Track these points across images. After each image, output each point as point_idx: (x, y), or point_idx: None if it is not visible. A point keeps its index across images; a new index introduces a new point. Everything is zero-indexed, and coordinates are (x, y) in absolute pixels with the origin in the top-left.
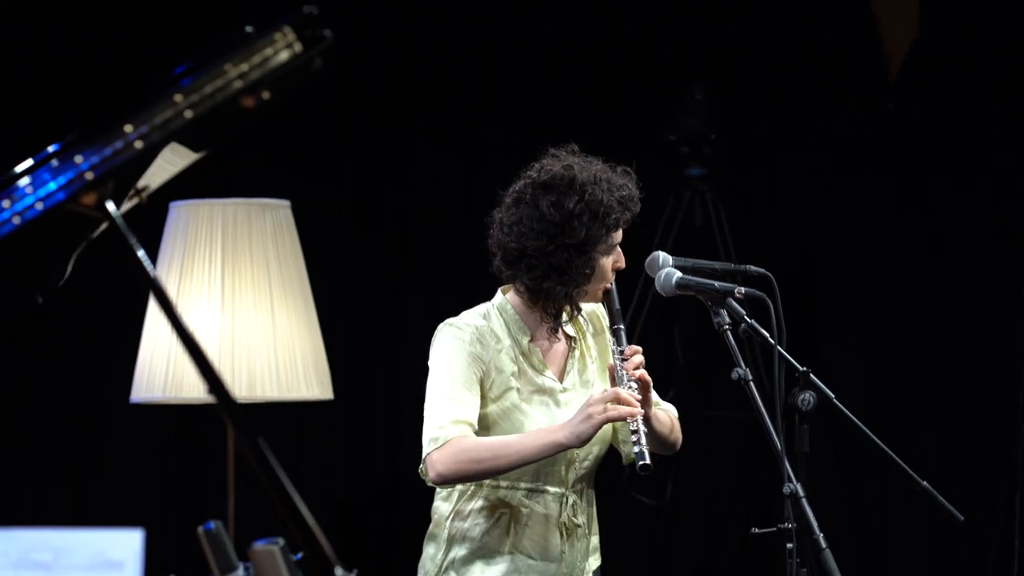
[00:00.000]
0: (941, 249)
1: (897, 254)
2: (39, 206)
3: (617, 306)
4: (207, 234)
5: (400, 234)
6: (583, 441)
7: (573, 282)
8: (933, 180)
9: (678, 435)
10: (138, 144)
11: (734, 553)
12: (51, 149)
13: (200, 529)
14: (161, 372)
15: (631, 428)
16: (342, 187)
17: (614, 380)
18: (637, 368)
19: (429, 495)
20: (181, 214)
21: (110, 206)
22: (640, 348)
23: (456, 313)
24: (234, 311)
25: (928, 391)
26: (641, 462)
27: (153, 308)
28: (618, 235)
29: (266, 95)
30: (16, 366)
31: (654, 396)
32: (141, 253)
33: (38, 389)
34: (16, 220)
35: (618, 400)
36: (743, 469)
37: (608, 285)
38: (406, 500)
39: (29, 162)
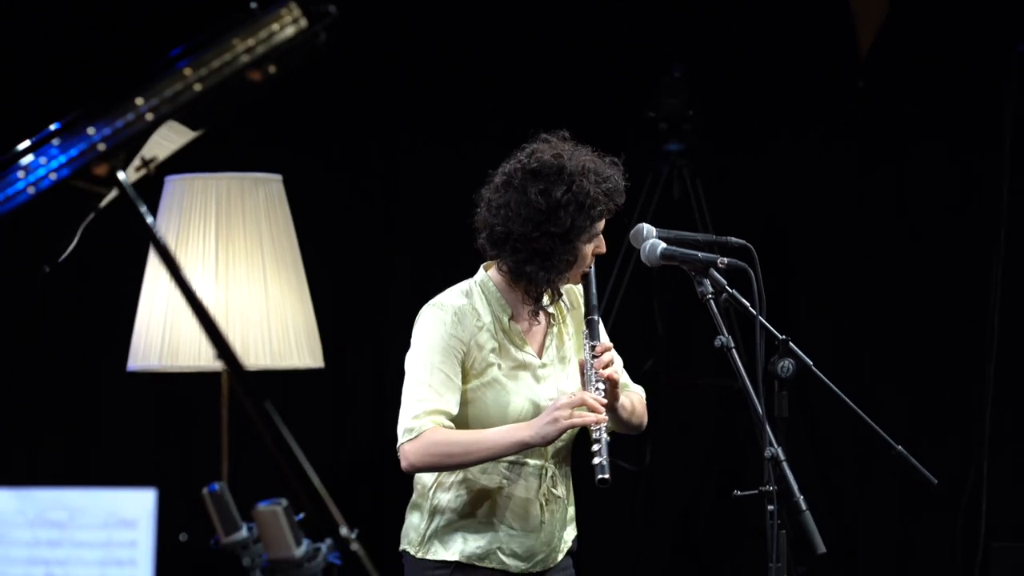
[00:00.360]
0: (909, 221)
1: (866, 225)
2: (53, 176)
3: (594, 292)
4: (201, 207)
5: (388, 207)
6: (548, 442)
7: (555, 268)
8: (901, 153)
9: (643, 419)
10: (149, 116)
11: (709, 516)
12: (63, 121)
13: (205, 490)
14: (157, 341)
15: (593, 436)
16: (331, 161)
17: (584, 375)
18: (606, 367)
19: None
20: (176, 188)
21: (121, 176)
22: (611, 345)
23: (440, 286)
24: (228, 282)
25: (898, 358)
26: (600, 475)
27: (150, 278)
28: (602, 224)
29: (272, 69)
30: (15, 337)
31: (624, 378)
32: (152, 222)
33: (37, 358)
34: (31, 190)
35: (585, 405)
36: (717, 435)
37: (587, 269)
38: (389, 468)
39: (42, 134)
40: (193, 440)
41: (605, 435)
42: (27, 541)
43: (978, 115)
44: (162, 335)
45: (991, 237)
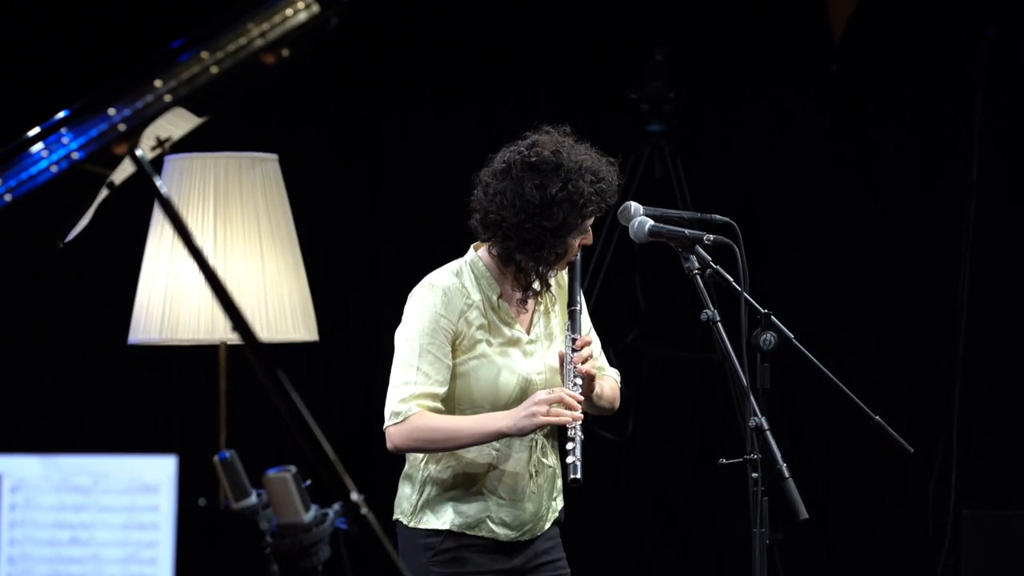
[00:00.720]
0: (880, 201)
1: (838, 204)
2: (75, 155)
3: (578, 282)
4: (200, 186)
5: (376, 186)
6: (524, 434)
7: (544, 260)
8: (873, 135)
9: (614, 402)
10: (167, 98)
11: (687, 483)
12: (83, 102)
13: (216, 458)
14: (158, 314)
15: (568, 435)
16: (323, 141)
17: (563, 367)
18: (585, 361)
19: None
20: (175, 167)
21: (140, 155)
22: (590, 340)
23: (426, 262)
24: (226, 258)
25: (868, 332)
26: (572, 476)
27: (150, 253)
28: (591, 220)
29: (285, 52)
30: (20, 311)
31: (601, 361)
32: (169, 199)
33: (41, 332)
34: (53, 169)
35: (562, 403)
36: (696, 406)
37: (572, 258)
38: (379, 440)
39: (63, 114)
40: (191, 411)
41: (580, 434)
42: (53, 505)
43: (949, 98)
44: (162, 309)
45: (960, 216)
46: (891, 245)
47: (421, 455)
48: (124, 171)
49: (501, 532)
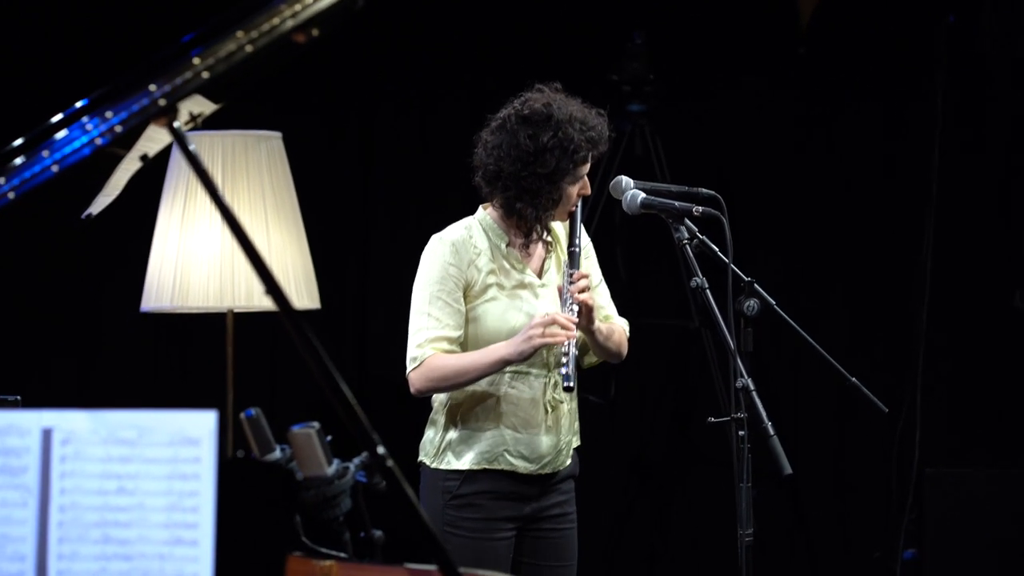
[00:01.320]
0: (845, 174)
1: (805, 177)
2: (118, 128)
3: (579, 228)
4: (208, 162)
5: (370, 164)
6: (525, 358)
7: (542, 206)
8: (839, 115)
9: (621, 347)
10: (205, 74)
11: (662, 443)
12: (124, 78)
13: (242, 415)
14: (169, 284)
15: (562, 351)
16: (314, 119)
17: (561, 296)
18: (582, 292)
19: (393, 395)
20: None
21: (178, 128)
22: (587, 274)
23: (416, 232)
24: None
25: (836, 297)
26: (565, 384)
27: (162, 225)
28: (585, 167)
29: (315, 32)
30: (35, 281)
31: (611, 311)
32: (207, 170)
33: (56, 299)
34: (98, 141)
35: (556, 323)
36: (671, 370)
37: (573, 208)
38: (374, 401)
39: (105, 89)
40: (200, 375)
41: (574, 349)
42: (100, 457)
43: (911, 80)
44: (173, 279)
45: (924, 189)
46: (857, 217)
47: (443, 398)
48: (157, 144)
49: (520, 464)
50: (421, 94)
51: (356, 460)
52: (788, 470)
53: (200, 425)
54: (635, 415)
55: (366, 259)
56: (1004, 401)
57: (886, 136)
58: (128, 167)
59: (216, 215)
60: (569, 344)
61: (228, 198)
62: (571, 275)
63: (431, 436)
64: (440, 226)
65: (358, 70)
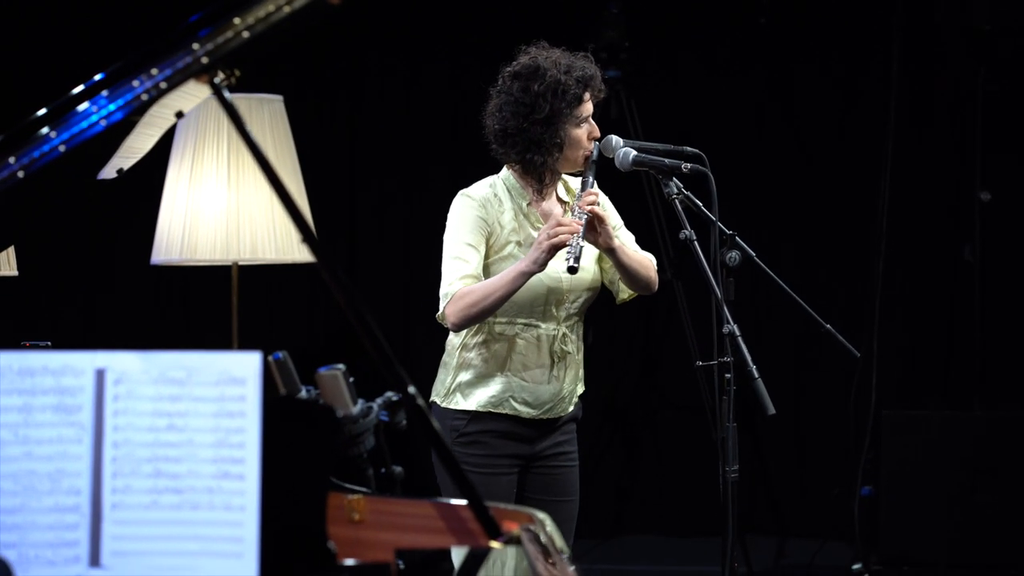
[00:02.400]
0: (800, 138)
1: (767, 139)
2: (163, 85)
3: (592, 173)
4: (215, 124)
5: (361, 126)
6: (540, 265)
7: (548, 152)
8: (797, 79)
9: (651, 274)
10: (245, 34)
11: (631, 390)
12: (169, 37)
13: (270, 358)
14: (178, 237)
15: (568, 243)
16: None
17: (573, 214)
18: (589, 204)
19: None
20: (193, 107)
21: (219, 84)
22: (596, 192)
23: (394, 195)
24: (239, 188)
25: (796, 251)
26: (569, 265)
27: (171, 181)
28: (585, 108)
29: None
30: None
31: (633, 246)
32: (245, 124)
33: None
34: (144, 96)
35: (560, 224)
36: (641, 320)
37: (588, 152)
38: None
39: (151, 47)
40: (206, 324)
41: (580, 241)
42: (151, 396)
43: (868, 47)
44: (182, 233)
45: (879, 150)
46: (816, 176)
47: (457, 343)
48: (191, 101)
49: (523, 410)
50: (405, 62)
51: (379, 400)
52: (771, 410)
53: (245, 365)
54: (607, 362)
55: (352, 219)
56: (954, 348)
57: (844, 100)
58: (146, 131)
59: (223, 174)
60: (575, 237)
61: (233, 158)
62: (580, 197)
63: (442, 378)
64: (425, 184)
65: (345, 39)
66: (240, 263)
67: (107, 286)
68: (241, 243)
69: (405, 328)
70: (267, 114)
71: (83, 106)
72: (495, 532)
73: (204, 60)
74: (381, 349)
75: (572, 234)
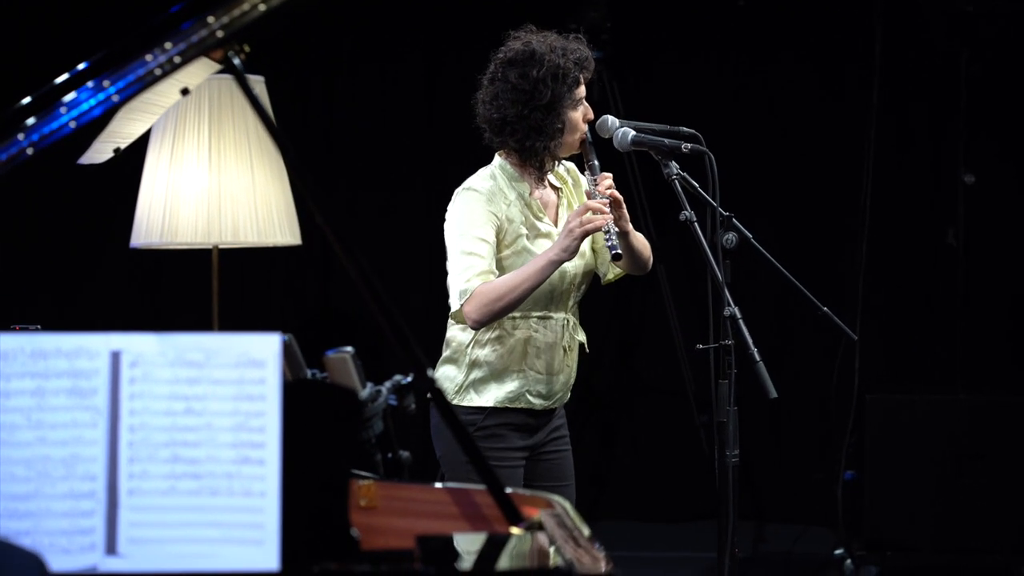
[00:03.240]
0: (780, 122)
1: (745, 121)
2: (177, 59)
3: (593, 155)
4: (196, 105)
5: (344, 106)
6: (571, 253)
7: (550, 137)
8: (774, 59)
9: (649, 258)
10: (261, 7)
11: (610, 368)
12: (184, 10)
13: None
14: (158, 221)
15: (604, 231)
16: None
17: (591, 197)
18: (608, 188)
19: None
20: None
21: (232, 59)
22: (610, 174)
23: (369, 177)
24: (220, 170)
25: (780, 235)
26: (613, 252)
27: (151, 164)
28: (581, 91)
29: None
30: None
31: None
32: (257, 97)
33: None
34: (158, 72)
35: (590, 210)
36: (618, 304)
37: (583, 134)
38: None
39: (164, 19)
40: (185, 308)
41: (614, 227)
42: (168, 379)
43: (850, 28)
44: (163, 216)
45: (863, 131)
46: (797, 159)
47: (468, 339)
48: (196, 77)
49: (537, 402)
50: (379, 48)
51: (387, 383)
52: (773, 394)
53: (265, 347)
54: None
55: (342, 196)
56: (937, 332)
57: (826, 82)
58: (144, 112)
59: (203, 155)
60: (609, 223)
61: (215, 139)
62: (595, 180)
63: (451, 375)
64: (401, 167)
65: (323, 19)
66: (221, 246)
67: (85, 270)
68: (223, 226)
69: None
70: None
71: (94, 82)
72: (516, 518)
73: (219, 34)
74: (400, 330)
75: (605, 220)
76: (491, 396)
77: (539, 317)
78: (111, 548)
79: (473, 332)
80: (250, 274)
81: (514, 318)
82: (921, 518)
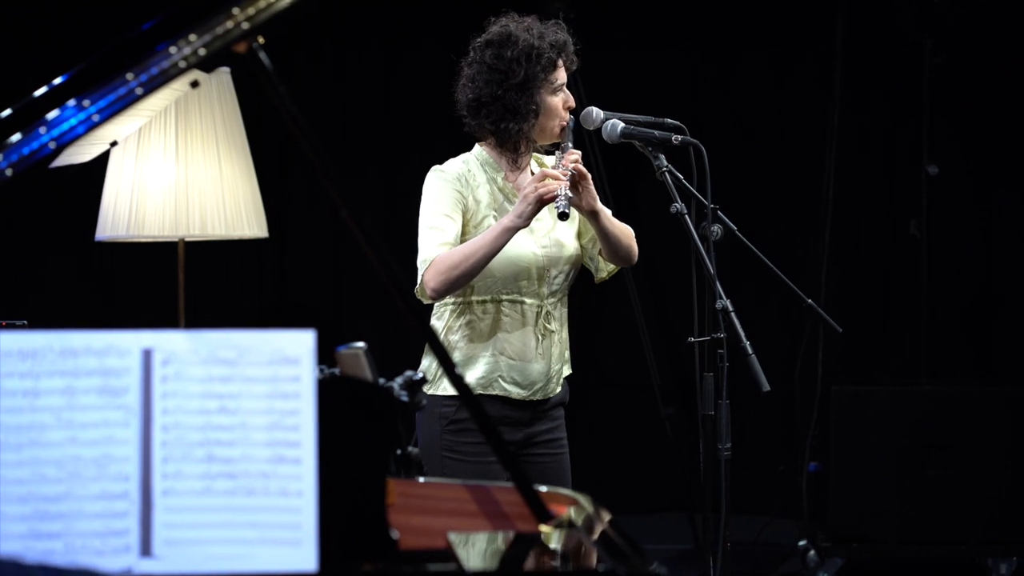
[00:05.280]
0: (741, 112)
1: (701, 108)
2: (202, 52)
3: (571, 132)
4: (161, 96)
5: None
6: (526, 219)
7: (523, 119)
8: (734, 48)
9: (631, 242)
10: (282, 4)
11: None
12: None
13: None
14: (124, 213)
15: (557, 193)
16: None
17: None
18: (575, 162)
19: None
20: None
21: (257, 50)
22: (579, 152)
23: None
24: (187, 162)
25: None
26: (560, 210)
27: (116, 155)
28: (559, 75)
29: None
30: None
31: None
32: (285, 93)
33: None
34: (182, 64)
35: (545, 177)
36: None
37: (563, 123)
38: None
39: (188, 12)
40: (153, 302)
41: (566, 192)
42: (201, 377)
43: (813, 20)
44: (129, 208)
45: (825, 122)
46: (758, 148)
47: (441, 326)
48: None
49: (513, 390)
50: (339, 36)
51: (399, 380)
52: (766, 387)
53: (299, 345)
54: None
55: (287, 198)
56: (900, 323)
57: (788, 71)
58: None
59: (171, 148)
60: (562, 186)
61: (181, 131)
62: (562, 156)
63: (427, 364)
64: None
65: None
66: (187, 239)
67: (48, 263)
68: (190, 219)
69: (337, 307)
70: (215, 85)
71: (118, 74)
72: (545, 516)
73: (245, 25)
74: (424, 326)
75: (559, 185)
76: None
77: (509, 301)
78: (146, 550)
79: (446, 319)
80: (218, 266)
81: (484, 301)
82: (886, 510)
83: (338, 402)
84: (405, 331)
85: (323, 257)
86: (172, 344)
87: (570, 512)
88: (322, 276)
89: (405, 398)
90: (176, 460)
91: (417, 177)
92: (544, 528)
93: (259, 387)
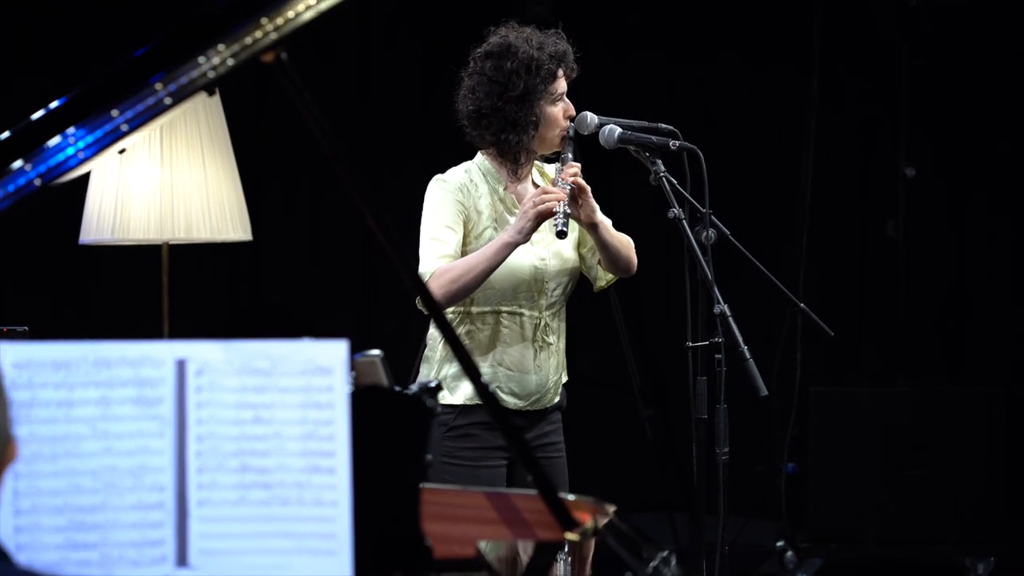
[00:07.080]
0: (716, 114)
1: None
2: (230, 61)
3: (570, 152)
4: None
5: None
6: (526, 234)
7: (523, 130)
8: (710, 49)
9: (630, 253)
10: (310, 14)
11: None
12: (235, 10)
13: None
14: (109, 217)
15: (555, 210)
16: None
17: (555, 185)
18: (573, 175)
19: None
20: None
21: (284, 60)
22: (578, 164)
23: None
24: (172, 166)
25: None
26: (558, 229)
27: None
28: (559, 86)
29: None
30: None
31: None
32: (310, 101)
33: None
34: (211, 74)
35: (545, 192)
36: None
37: (565, 132)
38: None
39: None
40: (137, 306)
41: (565, 208)
42: (235, 387)
43: (790, 18)
44: (114, 212)
45: (803, 124)
46: (735, 150)
47: (438, 336)
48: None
49: (510, 400)
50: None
51: (414, 387)
52: (764, 391)
53: (332, 355)
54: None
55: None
56: (877, 325)
57: (765, 73)
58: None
59: (155, 151)
60: (561, 204)
61: (166, 134)
62: (562, 168)
63: (426, 372)
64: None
65: None
66: (172, 243)
67: (32, 267)
68: (175, 222)
69: (313, 310)
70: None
71: (147, 85)
72: (570, 523)
73: (273, 36)
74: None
75: (558, 201)
76: (461, 394)
77: (508, 312)
78: (182, 560)
79: None
80: (201, 269)
81: (484, 313)
82: (864, 510)
83: (370, 411)
84: (383, 337)
85: (301, 261)
86: (206, 354)
87: (594, 519)
88: (300, 279)
89: (431, 405)
90: (211, 470)
91: (417, 184)
92: (570, 536)
93: (293, 397)
